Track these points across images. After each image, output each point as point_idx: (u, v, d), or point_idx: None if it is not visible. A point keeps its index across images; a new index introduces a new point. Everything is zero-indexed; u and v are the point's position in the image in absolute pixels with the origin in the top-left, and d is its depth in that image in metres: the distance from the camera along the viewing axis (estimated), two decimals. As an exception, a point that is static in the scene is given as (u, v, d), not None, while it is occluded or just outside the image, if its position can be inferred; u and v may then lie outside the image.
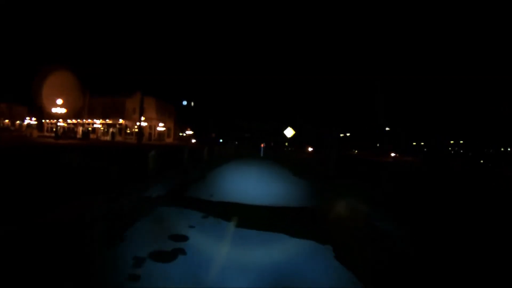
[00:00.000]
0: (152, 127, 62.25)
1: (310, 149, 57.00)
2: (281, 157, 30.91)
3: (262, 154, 31.19)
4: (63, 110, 38.17)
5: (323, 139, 76.65)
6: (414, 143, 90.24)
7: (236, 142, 72.94)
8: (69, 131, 65.03)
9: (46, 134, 61.40)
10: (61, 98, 38.09)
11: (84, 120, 65.16)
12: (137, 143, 33.21)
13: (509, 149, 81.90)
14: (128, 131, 62.00)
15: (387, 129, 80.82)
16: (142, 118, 57.82)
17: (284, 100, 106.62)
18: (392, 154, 64.21)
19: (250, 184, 11.84)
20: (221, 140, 74.00)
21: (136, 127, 60.22)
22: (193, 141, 69.27)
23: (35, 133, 50.71)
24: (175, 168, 12.99)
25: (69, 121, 66.60)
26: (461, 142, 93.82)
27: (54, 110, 37.91)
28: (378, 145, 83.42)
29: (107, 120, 62.80)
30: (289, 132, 28.42)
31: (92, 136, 63.76)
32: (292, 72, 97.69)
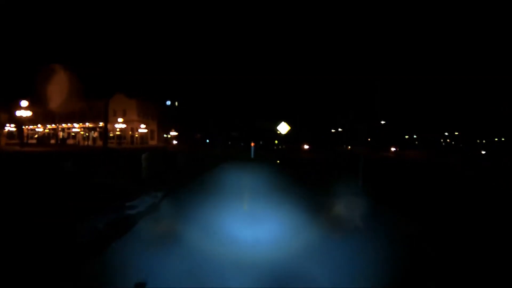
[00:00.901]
0: (134, 130, 59.00)
1: (306, 146, 52.79)
2: (276, 158, 27.13)
3: (252, 155, 26.96)
4: (28, 113, 34.59)
5: (322, 136, 73.87)
6: (407, 136, 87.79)
7: (230, 142, 69.81)
8: (45, 138, 62.05)
9: (15, 141, 58.09)
10: (27, 100, 34.41)
11: (64, 125, 62.16)
12: (103, 148, 29.95)
13: (503, 139, 79.90)
14: (111, 135, 58.73)
15: (382, 122, 78.30)
16: (120, 120, 55.05)
17: (275, 94, 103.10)
18: (393, 149, 61.26)
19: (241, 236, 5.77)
20: (207, 141, 71.04)
21: (118, 130, 57.35)
22: (175, 142, 66.04)
23: (3, 141, 47.28)
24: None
25: (48, 126, 63.79)
26: (456, 133, 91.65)
27: (19, 113, 34.27)
28: (369, 139, 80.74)
29: (87, 124, 59.61)
30: (283, 127, 24.50)
31: (71, 141, 60.74)
32: (282, 67, 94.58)
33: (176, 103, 69.87)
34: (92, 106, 55.72)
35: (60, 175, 11.05)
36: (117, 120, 55.32)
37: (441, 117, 78.60)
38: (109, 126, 58.07)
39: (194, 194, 9.63)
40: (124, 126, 54.74)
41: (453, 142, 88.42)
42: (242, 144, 69.36)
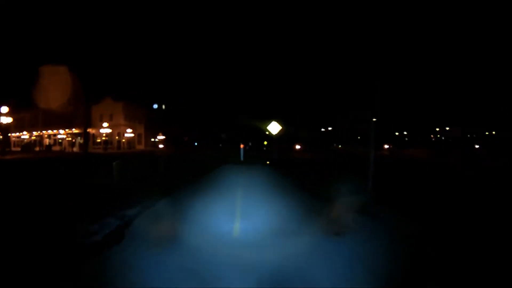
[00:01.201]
0: (121, 134, 58.15)
1: (298, 146, 51.99)
2: (266, 159, 26.00)
3: (242, 158, 26.02)
4: (8, 120, 33.79)
5: (313, 135, 73.29)
6: (397, 133, 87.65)
7: (221, 145, 69.09)
8: (31, 145, 61.10)
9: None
10: (7, 106, 33.58)
11: (50, 131, 61.27)
12: (83, 153, 29.28)
13: (494, 132, 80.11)
14: (99, 140, 57.91)
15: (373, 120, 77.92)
16: (105, 124, 54.31)
17: (264, 94, 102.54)
18: (386, 146, 60.92)
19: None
20: (196, 144, 70.43)
21: (104, 135, 56.54)
22: (161, 146, 65.19)
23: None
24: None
25: (34, 133, 62.90)
26: (447, 128, 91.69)
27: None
28: (359, 137, 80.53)
29: (73, 129, 58.67)
30: (274, 127, 22.88)
31: (56, 148, 59.73)
32: (271, 67, 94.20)
33: (164, 106, 69.40)
34: (78, 111, 54.81)
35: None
36: (102, 125, 54.69)
37: (434, 115, 78.64)
38: (95, 131, 57.50)
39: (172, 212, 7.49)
40: (109, 130, 53.91)
41: (450, 140, 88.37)
42: (229, 146, 68.59)
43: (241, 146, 27.55)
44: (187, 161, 24.05)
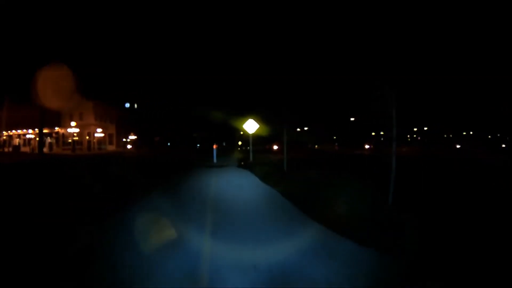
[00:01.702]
0: (91, 134, 56.79)
1: (275, 147, 50.47)
2: (242, 160, 23.34)
3: (215, 160, 23.60)
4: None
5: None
6: (373, 133, 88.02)
7: (198, 145, 67.78)
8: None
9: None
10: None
11: (20, 131, 59.48)
12: (39, 155, 28.23)
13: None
14: (70, 140, 56.28)
15: (352, 119, 78.43)
16: (73, 124, 52.29)
17: (241, 91, 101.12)
18: (367, 146, 61.06)
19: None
20: (169, 144, 69.21)
21: (75, 134, 55.08)
22: (129, 147, 63.75)
23: None
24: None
25: (4, 132, 61.00)
26: (425, 128, 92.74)
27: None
28: (334, 137, 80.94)
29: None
30: (251, 126, 21.04)
31: (26, 148, 57.92)
32: (249, 64, 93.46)
33: (136, 105, 68.15)
34: (47, 110, 53.22)
35: None
36: (70, 124, 53.27)
37: (410, 115, 79.17)
38: (63, 130, 56.01)
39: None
40: (77, 130, 52.44)
41: (425, 140, 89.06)
42: (198, 145, 67.19)
43: (214, 146, 25.84)
44: (146, 165, 22.55)
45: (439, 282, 3.73)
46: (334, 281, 3.84)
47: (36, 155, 36.63)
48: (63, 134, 56.21)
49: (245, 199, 9.22)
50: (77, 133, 52.83)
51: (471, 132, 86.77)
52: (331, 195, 8.56)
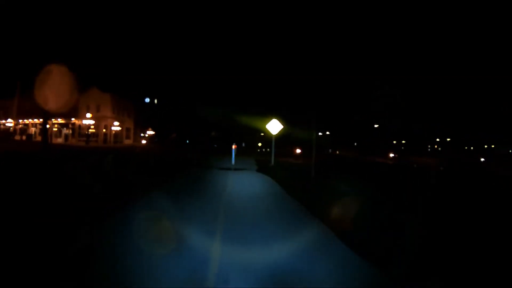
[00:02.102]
0: (107, 127, 55.38)
1: (298, 150, 47.71)
2: (262, 164, 21.42)
3: (233, 162, 21.14)
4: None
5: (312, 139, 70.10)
6: (395, 142, 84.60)
7: (215, 145, 65.71)
8: (9, 133, 58.48)
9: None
10: None
11: (36, 120, 58.40)
12: (42, 148, 26.42)
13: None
14: (87, 132, 54.95)
15: (376, 126, 75.68)
16: (89, 115, 51.03)
17: (262, 91, 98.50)
18: (391, 155, 58.33)
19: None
20: (187, 141, 67.34)
21: (92, 127, 53.85)
22: (143, 142, 62.07)
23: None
24: None
25: (21, 121, 60.09)
26: (448, 139, 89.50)
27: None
28: (355, 144, 77.98)
29: (58, 119, 55.75)
30: (275, 126, 19.41)
31: (39, 138, 56.85)
32: (272, 65, 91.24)
33: (156, 101, 66.66)
34: (59, 101, 51.88)
35: None
36: (93, 116, 51.93)
37: (434, 121, 76.21)
38: (79, 122, 54.67)
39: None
40: (92, 122, 50.88)
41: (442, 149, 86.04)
42: (215, 145, 64.88)
43: (234, 146, 23.52)
44: (156, 162, 20.27)
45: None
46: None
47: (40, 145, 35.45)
48: (79, 125, 54.83)
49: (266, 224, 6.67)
50: (93, 125, 51.51)
51: (492, 146, 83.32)
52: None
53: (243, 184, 12.69)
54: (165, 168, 16.79)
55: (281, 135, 22.02)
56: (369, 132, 76.72)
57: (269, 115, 21.42)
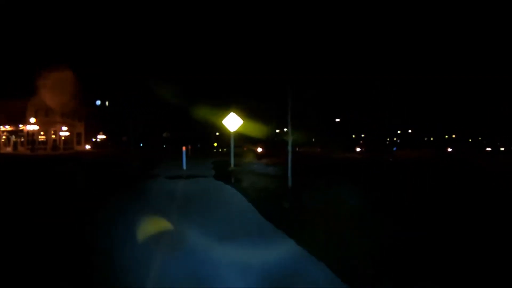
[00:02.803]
0: (56, 133, 51.97)
1: (260, 149, 43.86)
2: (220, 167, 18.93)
3: (185, 166, 18.50)
4: None
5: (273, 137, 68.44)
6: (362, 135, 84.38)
7: (164, 146, 62.21)
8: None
9: None
10: None
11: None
12: None
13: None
14: (33, 139, 51.15)
15: (337, 120, 75.48)
16: (33, 120, 47.13)
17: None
18: (358, 149, 57.97)
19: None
20: (141, 144, 64.19)
21: (42, 133, 50.30)
22: (87, 147, 57.53)
23: None
24: None
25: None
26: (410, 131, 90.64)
27: None
28: (313, 139, 76.99)
29: (6, 126, 51.65)
30: (233, 122, 16.43)
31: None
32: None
33: (107, 103, 63.21)
34: (9, 106, 48.07)
35: None
36: (43, 122, 48.36)
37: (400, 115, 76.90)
38: (24, 128, 50.82)
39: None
40: (36, 127, 47.09)
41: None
42: (164, 146, 61.94)
43: (184, 148, 19.64)
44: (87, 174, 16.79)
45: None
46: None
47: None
48: (27, 132, 51.11)
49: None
50: (37, 130, 47.84)
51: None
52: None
53: (199, 205, 8.73)
54: (96, 184, 13.02)
55: (240, 131, 19.78)
56: (331, 126, 76.13)
57: (226, 108, 19.09)
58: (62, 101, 50.70)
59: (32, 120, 44.67)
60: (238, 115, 18.04)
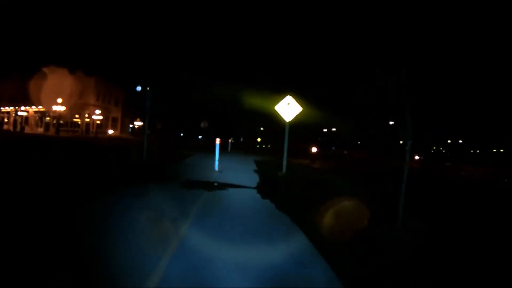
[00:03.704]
0: (90, 116, 48.27)
1: (314, 149, 37.29)
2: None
3: (217, 167, 13.65)
4: None
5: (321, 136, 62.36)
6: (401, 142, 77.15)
7: (200, 137, 57.52)
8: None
9: None
10: None
11: (20, 107, 51.34)
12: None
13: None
14: (61, 121, 47.71)
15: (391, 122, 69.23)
16: (59, 100, 43.34)
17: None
18: (417, 157, 51.52)
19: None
20: (182, 134, 60.31)
21: (77, 116, 46.95)
22: (110, 132, 53.60)
23: None
24: None
25: (1, 109, 53.10)
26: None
27: None
28: (359, 142, 70.83)
29: (39, 107, 48.58)
30: (289, 107, 12.39)
31: (27, 129, 50.00)
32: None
33: (148, 89, 59.46)
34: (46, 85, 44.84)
35: None
36: (79, 103, 44.90)
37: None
38: (55, 110, 47.45)
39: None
40: (63, 108, 43.15)
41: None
42: (200, 137, 57.17)
43: (218, 141, 14.64)
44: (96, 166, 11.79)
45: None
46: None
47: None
48: (59, 114, 47.76)
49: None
50: (64, 112, 43.92)
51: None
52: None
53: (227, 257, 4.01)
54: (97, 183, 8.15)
55: (281, 128, 13.55)
56: (379, 128, 69.33)
57: (279, 93, 13.21)
58: (96, 82, 47.29)
59: (59, 100, 40.82)
60: (298, 100, 12.70)
